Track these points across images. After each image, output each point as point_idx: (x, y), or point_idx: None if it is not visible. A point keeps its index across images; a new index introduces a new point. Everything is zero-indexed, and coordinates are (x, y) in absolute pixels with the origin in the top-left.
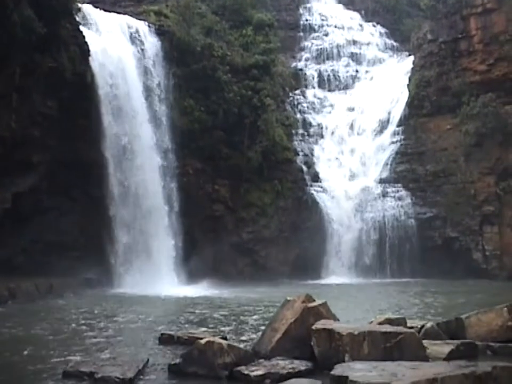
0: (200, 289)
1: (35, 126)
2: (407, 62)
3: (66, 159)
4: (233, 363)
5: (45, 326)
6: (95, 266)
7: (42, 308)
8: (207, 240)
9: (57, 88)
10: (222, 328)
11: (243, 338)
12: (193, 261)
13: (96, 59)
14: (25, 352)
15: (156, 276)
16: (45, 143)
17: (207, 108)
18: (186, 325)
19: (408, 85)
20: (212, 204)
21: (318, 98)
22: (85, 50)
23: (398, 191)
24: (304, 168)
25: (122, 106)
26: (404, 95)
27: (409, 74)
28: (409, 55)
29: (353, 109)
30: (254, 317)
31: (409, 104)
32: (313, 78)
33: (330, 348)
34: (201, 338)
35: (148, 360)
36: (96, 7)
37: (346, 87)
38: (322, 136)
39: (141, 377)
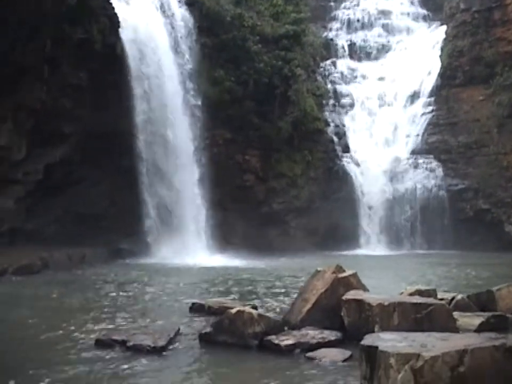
0: (230, 259)
1: (66, 97)
2: (439, 32)
3: (97, 130)
4: (263, 332)
5: (78, 295)
6: (126, 237)
7: (75, 277)
8: (237, 211)
9: (87, 60)
10: (252, 298)
11: (273, 308)
12: (224, 231)
13: (126, 30)
14: (58, 321)
15: (187, 246)
16: (75, 114)
17: (237, 78)
18: (217, 295)
19: (440, 55)
20: (242, 174)
21: (349, 68)
22: (114, 22)
23: (429, 162)
24: (335, 138)
25: (152, 77)
26: (436, 65)
27: (441, 44)
28: (442, 24)
29: (384, 79)
30: (284, 287)
31: (441, 74)
32: (344, 48)
33: (360, 318)
34: (232, 308)
35: (179, 329)
36: None
37: (377, 57)
38: (353, 107)
39: (172, 345)
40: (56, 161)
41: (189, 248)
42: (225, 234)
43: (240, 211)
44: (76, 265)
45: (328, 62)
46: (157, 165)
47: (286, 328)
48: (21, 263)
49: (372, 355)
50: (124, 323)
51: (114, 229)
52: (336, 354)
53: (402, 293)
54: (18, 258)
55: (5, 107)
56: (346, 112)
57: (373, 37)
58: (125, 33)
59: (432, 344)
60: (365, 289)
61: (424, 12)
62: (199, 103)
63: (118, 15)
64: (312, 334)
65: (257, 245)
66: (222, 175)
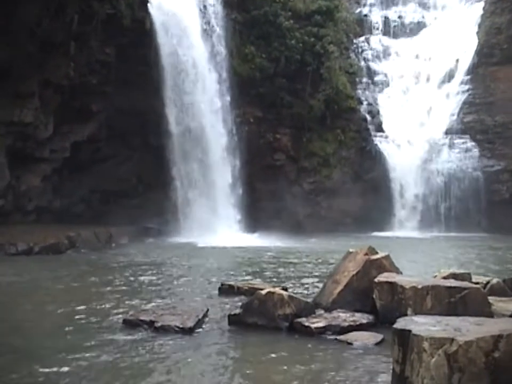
0: (260, 240)
1: (93, 74)
2: (476, 8)
3: (125, 107)
4: (294, 314)
5: (104, 274)
6: (155, 215)
7: (102, 256)
8: (267, 190)
9: (115, 36)
10: (283, 279)
11: (304, 289)
12: (254, 210)
13: (155, 5)
14: (84, 301)
15: (216, 226)
16: (103, 91)
17: (268, 55)
18: (247, 276)
19: (477, 32)
20: (273, 153)
21: (383, 45)
22: None
23: (465, 142)
24: (368, 117)
25: (181, 54)
26: (473, 43)
27: (478, 21)
28: (479, 0)
29: (419, 57)
30: (315, 268)
31: (478, 52)
32: (378, 25)
33: (392, 301)
34: (262, 289)
35: (208, 310)
36: None
37: (412, 34)
38: (387, 85)
39: (201, 326)
40: (83, 139)
41: (219, 228)
42: (255, 214)
43: (271, 191)
44: (103, 244)
45: (362, 38)
46: (186, 143)
47: (316, 310)
48: (47, 242)
49: (405, 339)
50: (152, 303)
51: (142, 208)
52: (367, 338)
53: (436, 276)
54: (45, 237)
55: (31, 84)
56: (380, 91)
57: (408, 13)
58: (154, 8)
59: (467, 328)
60: (397, 271)
61: None
62: (230, 80)
63: None
64: (343, 316)
65: (288, 225)
66: (253, 154)
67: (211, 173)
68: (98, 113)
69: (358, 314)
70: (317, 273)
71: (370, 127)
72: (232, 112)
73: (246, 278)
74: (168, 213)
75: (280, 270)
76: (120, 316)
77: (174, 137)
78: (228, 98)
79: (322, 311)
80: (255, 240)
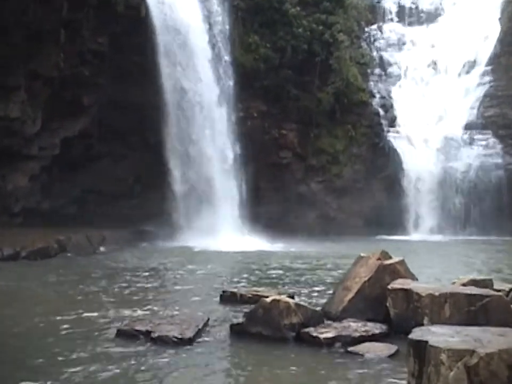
0: (264, 243)
1: (85, 65)
2: None
3: (120, 101)
4: (301, 324)
5: (97, 281)
6: (152, 218)
7: (95, 261)
8: (272, 191)
9: (108, 23)
10: (289, 286)
11: (311, 297)
12: (258, 213)
13: None
14: (75, 310)
15: (217, 229)
16: (96, 82)
17: (273, 44)
18: (250, 282)
19: (499, 18)
20: (278, 150)
21: (397, 33)
22: None
23: (486, 138)
24: (381, 111)
25: (180, 43)
26: (495, 30)
27: (501, 6)
28: None
29: (436, 46)
30: (324, 274)
31: (501, 40)
32: (391, 11)
33: (407, 309)
34: (266, 297)
35: (209, 319)
36: None
37: (429, 21)
38: (401, 77)
39: (201, 337)
40: (75, 135)
41: (220, 231)
42: (259, 216)
43: (276, 191)
44: (95, 248)
45: (374, 26)
46: (187, 140)
47: (325, 319)
48: (35, 246)
49: (421, 350)
50: (148, 312)
51: (138, 209)
52: (381, 349)
53: (454, 283)
54: (33, 241)
55: (18, 75)
56: (394, 83)
57: None
58: None
59: (488, 339)
60: (413, 277)
61: None
62: (232, 71)
63: None
64: (355, 326)
65: (294, 228)
66: (257, 151)
67: (212, 173)
68: (90, 107)
69: (370, 324)
70: (325, 280)
71: (383, 122)
72: (234, 106)
73: (249, 284)
74: (166, 215)
75: (286, 276)
76: (114, 325)
77: (173, 134)
78: (230, 91)
79: (332, 321)
80: (259, 244)
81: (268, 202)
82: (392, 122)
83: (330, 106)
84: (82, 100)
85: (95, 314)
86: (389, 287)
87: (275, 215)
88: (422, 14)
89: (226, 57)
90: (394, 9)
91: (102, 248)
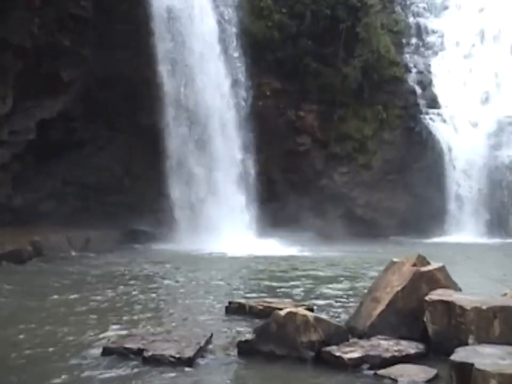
0: (277, 247)
1: (64, 33)
2: None
3: (107, 76)
4: (321, 341)
5: (79, 290)
6: (145, 215)
7: (77, 266)
8: (287, 183)
9: None
10: (307, 297)
11: (334, 309)
12: (270, 210)
13: None
14: (52, 325)
15: (222, 229)
16: (78, 54)
17: (289, 9)
18: (261, 292)
19: None
20: (295, 135)
21: None
22: None
23: None
24: (418, 89)
25: (177, 8)
26: None
27: None
28: None
29: (485, 11)
30: (349, 282)
31: None
32: None
33: (449, 325)
34: (280, 309)
35: (212, 335)
36: None
37: None
38: (442, 48)
39: (203, 356)
40: (53, 117)
41: (225, 232)
42: (271, 214)
43: (292, 184)
44: (78, 251)
45: None
46: (186, 123)
47: (350, 336)
48: (6, 249)
49: (466, 374)
50: (140, 327)
51: (128, 206)
52: (416, 373)
53: (505, 294)
54: (3, 243)
55: None
56: (434, 55)
57: None
58: None
59: None
60: (455, 287)
61: None
62: (240, 42)
63: None
64: (385, 345)
65: (313, 228)
66: (269, 137)
67: (215, 162)
68: (72, 84)
69: (404, 342)
70: (351, 289)
71: (421, 101)
72: (242, 83)
73: (260, 294)
74: (162, 213)
75: (304, 284)
76: (98, 343)
77: (169, 116)
78: (237, 64)
79: (358, 338)
80: (271, 247)
81: (281, 198)
82: (432, 102)
83: (357, 83)
84: (62, 75)
85: (77, 329)
86: (427, 298)
87: (290, 213)
88: None
89: (233, 25)
90: None
91: (85, 252)
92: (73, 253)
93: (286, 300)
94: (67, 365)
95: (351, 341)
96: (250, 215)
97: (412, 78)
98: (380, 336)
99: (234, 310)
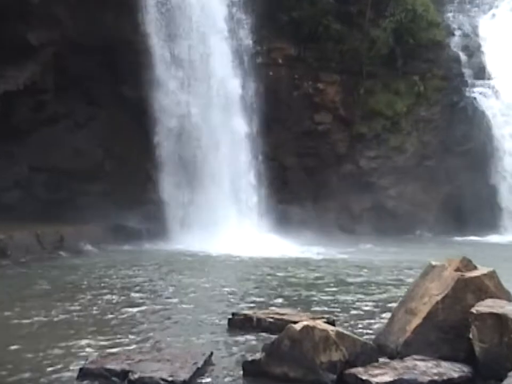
0: (292, 247)
1: None
2: None
3: (84, 40)
4: (345, 362)
5: (50, 299)
6: (131, 209)
7: (49, 270)
8: (303, 171)
9: None
10: (326, 307)
11: (359, 323)
12: (282, 203)
13: None
14: (19, 342)
15: (225, 225)
16: (49, 13)
17: None
18: (271, 300)
19: None
20: (313, 112)
21: None
22: None
23: None
24: (462, 56)
25: None
26: None
27: None
28: None
29: None
30: (377, 290)
31: None
32: None
33: (500, 344)
34: (295, 322)
35: (212, 353)
36: None
37: None
38: (493, 5)
39: (201, 379)
40: (19, 89)
41: (228, 229)
42: (284, 208)
43: (308, 171)
44: (50, 251)
45: None
46: (180, 96)
47: (380, 355)
48: None
49: None
50: (126, 343)
51: (111, 197)
52: None
53: None
54: None
55: None
56: (483, 13)
57: None
58: None
59: None
60: (508, 297)
61: None
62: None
63: None
64: (423, 366)
65: (334, 224)
66: (282, 114)
67: (216, 144)
68: (41, 49)
69: (445, 364)
70: (380, 298)
71: (466, 71)
72: (249, 48)
73: (270, 303)
74: (152, 205)
75: (323, 292)
76: (75, 363)
77: (160, 87)
78: (243, 25)
79: (389, 358)
80: (284, 247)
81: (297, 188)
82: (480, 72)
83: (389, 49)
84: (29, 39)
85: (47, 346)
86: (473, 310)
87: (306, 206)
88: None
89: None
90: None
91: (59, 252)
92: (44, 254)
93: (300, 310)
94: None
95: (380, 361)
96: (258, 209)
97: (455, 43)
98: (415, 356)
99: (239, 323)
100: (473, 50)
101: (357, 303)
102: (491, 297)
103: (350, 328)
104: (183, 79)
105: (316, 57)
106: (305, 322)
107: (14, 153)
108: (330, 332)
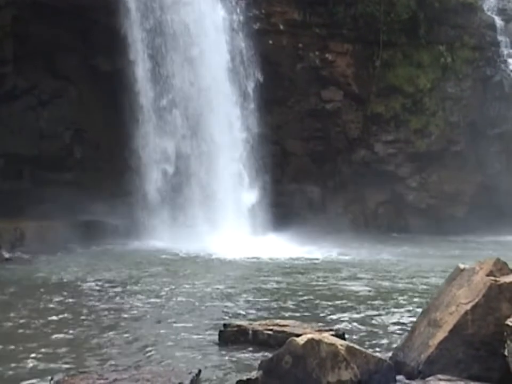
0: (295, 247)
1: None
2: None
3: (48, 1)
4: (357, 382)
5: (9, 307)
6: (105, 201)
7: (7, 272)
8: (309, 158)
9: None
10: (335, 317)
11: (373, 337)
12: (284, 195)
13: None
14: None
15: (217, 223)
16: None
17: None
18: (269, 310)
19: None
20: (320, 87)
21: None
22: None
23: None
24: (498, 21)
25: None
26: None
27: None
28: None
29: None
30: (395, 297)
31: None
32: None
33: None
34: (298, 335)
35: (200, 372)
36: None
37: None
38: None
39: None
40: None
41: (221, 227)
42: (286, 201)
43: (316, 158)
44: (9, 250)
45: None
46: (165, 66)
47: (398, 374)
48: None
49: None
50: (98, 361)
51: (81, 187)
52: None
53: None
54: None
55: None
56: None
57: None
58: None
59: None
60: None
61: None
62: None
63: None
64: None
65: (344, 220)
66: (283, 91)
67: (207, 125)
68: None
69: None
70: (398, 308)
71: (503, 40)
72: (243, 11)
73: (268, 314)
74: (128, 197)
75: (331, 300)
76: (38, 382)
77: (140, 57)
78: None
79: (408, 378)
80: (286, 247)
81: (302, 178)
82: None
83: (410, 13)
84: None
85: (9, 363)
86: (509, 322)
87: (312, 199)
88: None
89: None
90: None
91: (18, 252)
92: (1, 253)
93: (306, 323)
94: None
95: (398, 382)
96: (255, 203)
97: (489, 5)
98: (440, 376)
99: (232, 336)
100: (510, 15)
101: (371, 314)
102: None
103: (362, 343)
104: (165, 50)
105: (323, 23)
106: (309, 336)
107: None
108: (340, 347)
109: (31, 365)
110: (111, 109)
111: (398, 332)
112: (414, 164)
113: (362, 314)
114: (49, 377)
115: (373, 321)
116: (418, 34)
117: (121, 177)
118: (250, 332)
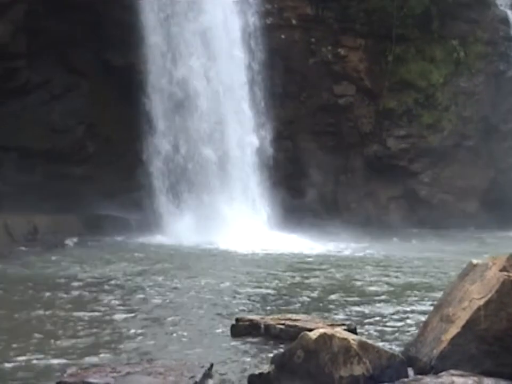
0: (307, 242)
1: None
2: None
3: None
4: (369, 377)
5: (22, 301)
6: (117, 196)
7: (19, 266)
8: (321, 152)
9: None
10: (348, 313)
11: (386, 332)
12: (296, 190)
13: None
14: None
15: (227, 217)
16: None
17: None
18: (282, 305)
19: None
20: (332, 82)
21: None
22: None
23: None
24: (511, 16)
25: None
26: None
27: None
28: None
29: None
30: (407, 293)
31: None
32: None
33: None
34: (311, 329)
35: (212, 366)
36: None
37: None
38: None
39: None
40: None
41: (231, 221)
42: (299, 197)
43: (326, 151)
44: (20, 245)
45: None
46: (175, 61)
47: (411, 369)
48: None
49: None
50: (109, 354)
51: (92, 181)
52: None
53: None
54: None
55: None
56: None
57: None
58: None
59: None
60: None
61: None
62: None
63: None
64: (461, 383)
65: (357, 215)
66: (295, 85)
67: (216, 119)
68: (11, 6)
69: (488, 381)
70: (410, 303)
71: None
72: (256, 7)
73: (281, 307)
74: (140, 191)
75: (343, 295)
76: (51, 375)
77: (152, 51)
78: None
79: (421, 373)
80: (297, 242)
81: (313, 173)
82: None
83: (423, 8)
84: None
85: (19, 357)
86: None
87: (325, 194)
88: None
89: None
90: None
91: (31, 245)
92: (14, 247)
93: (315, 316)
94: None
95: (410, 377)
96: (266, 197)
97: (502, 0)
98: (453, 371)
99: (244, 330)
100: None
101: (383, 308)
102: None
103: (374, 338)
104: (177, 45)
105: (336, 17)
106: (322, 330)
107: None
108: (352, 342)
109: (44, 359)
110: (124, 103)
111: (410, 327)
112: (426, 159)
113: (374, 309)
114: (62, 370)
115: (385, 316)
116: (431, 29)
117: (133, 171)
118: (262, 326)
